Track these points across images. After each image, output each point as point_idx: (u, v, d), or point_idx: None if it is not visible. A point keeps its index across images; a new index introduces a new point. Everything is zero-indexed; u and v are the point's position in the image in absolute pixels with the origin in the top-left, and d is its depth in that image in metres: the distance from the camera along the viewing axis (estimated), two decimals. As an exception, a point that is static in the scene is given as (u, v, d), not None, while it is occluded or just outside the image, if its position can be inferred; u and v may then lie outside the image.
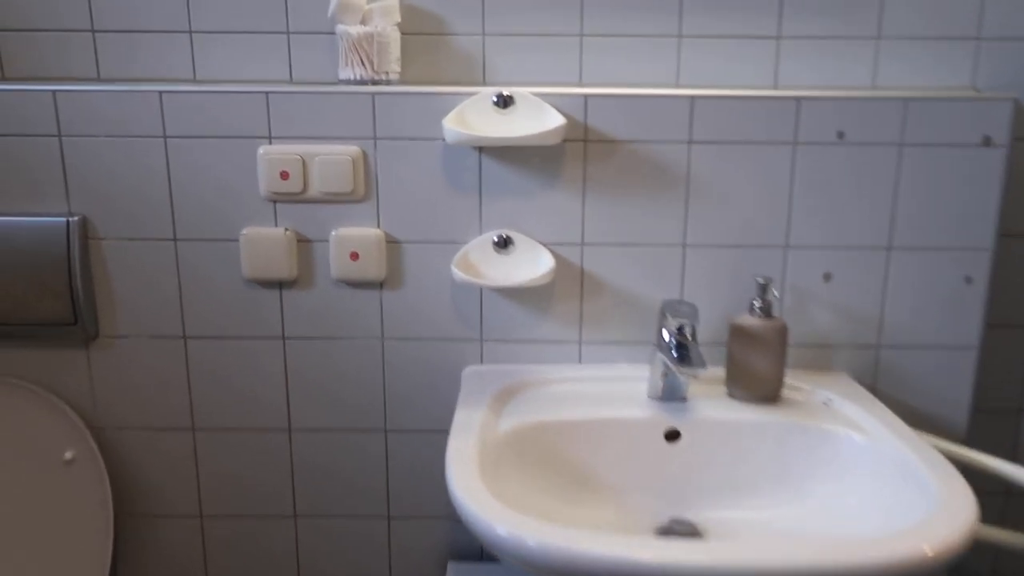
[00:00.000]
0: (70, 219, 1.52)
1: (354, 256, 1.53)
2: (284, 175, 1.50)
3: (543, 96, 1.47)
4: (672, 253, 1.54)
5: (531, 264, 1.53)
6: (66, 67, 1.55)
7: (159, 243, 1.55)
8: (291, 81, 1.57)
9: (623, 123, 1.49)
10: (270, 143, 1.50)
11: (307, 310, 1.58)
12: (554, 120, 1.44)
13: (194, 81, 1.56)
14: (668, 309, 1.41)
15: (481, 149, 1.50)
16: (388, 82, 1.51)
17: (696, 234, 1.53)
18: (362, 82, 1.50)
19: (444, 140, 1.48)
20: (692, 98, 1.47)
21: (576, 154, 1.50)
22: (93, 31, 1.54)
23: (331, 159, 1.49)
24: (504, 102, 1.47)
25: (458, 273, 1.49)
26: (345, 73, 1.50)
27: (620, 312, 1.57)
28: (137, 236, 1.55)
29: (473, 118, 1.47)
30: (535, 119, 1.47)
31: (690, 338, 1.36)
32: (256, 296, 1.57)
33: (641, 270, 1.55)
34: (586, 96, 1.48)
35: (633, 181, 1.51)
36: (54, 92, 1.49)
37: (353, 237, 1.53)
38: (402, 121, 1.49)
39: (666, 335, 1.39)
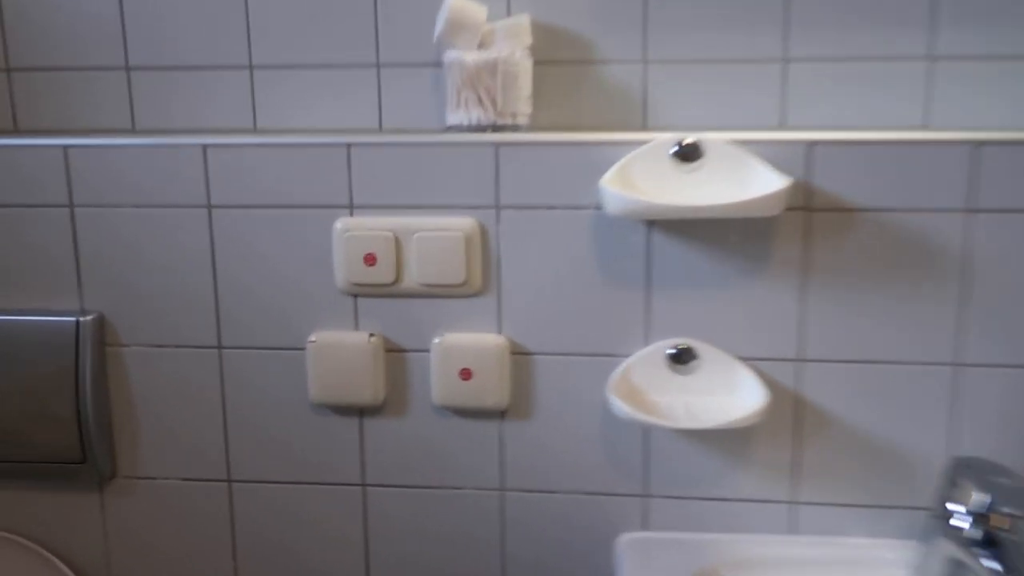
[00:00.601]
0: (81, 319, 1.11)
1: (465, 374, 1.07)
2: (370, 259, 1.06)
3: (744, 145, 0.99)
4: (939, 376, 1.03)
5: (725, 390, 1.05)
6: (92, 116, 1.16)
7: (198, 352, 1.12)
8: (380, 130, 1.14)
9: (865, 183, 1.00)
10: (351, 214, 1.07)
11: (397, 448, 1.12)
12: (769, 181, 0.96)
13: (252, 131, 1.14)
14: (965, 472, 0.89)
15: (651, 223, 1.03)
16: (516, 127, 1.07)
17: (980, 349, 1.02)
18: (479, 128, 1.06)
19: (598, 209, 1.03)
20: (975, 145, 0.98)
21: (793, 228, 1.02)
22: (127, 68, 1.15)
23: (435, 237, 1.05)
24: (688, 154, 1.00)
25: (619, 404, 1.01)
26: (456, 117, 1.07)
27: (858, 461, 1.06)
28: (169, 342, 1.13)
29: (642, 177, 1.01)
30: (734, 179, 1.00)
31: (1009, 529, 0.84)
32: (327, 427, 1.12)
33: (890, 401, 1.04)
34: (810, 143, 1.00)
35: (878, 268, 1.02)
36: (64, 148, 1.10)
37: (464, 347, 1.07)
38: (537, 182, 1.04)
39: (960, 518, 0.87)
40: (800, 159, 1.00)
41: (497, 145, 1.04)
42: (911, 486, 1.05)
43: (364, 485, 1.14)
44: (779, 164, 0.99)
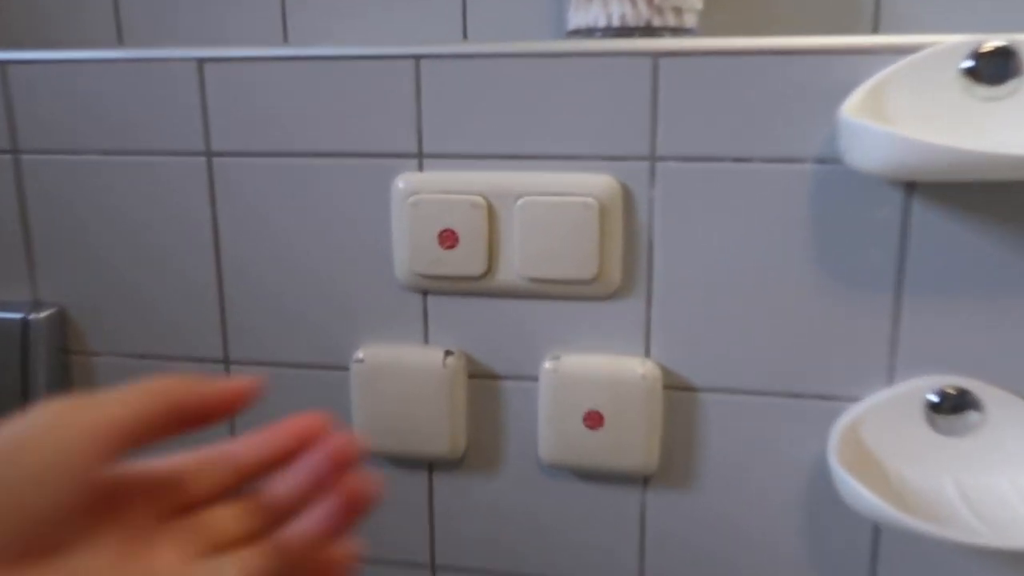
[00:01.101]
0: (32, 316, 0.77)
1: (593, 418, 0.68)
2: (448, 238, 0.67)
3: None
4: None
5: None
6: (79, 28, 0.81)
7: (196, 369, 0.76)
8: (465, 39, 0.76)
9: None
10: (420, 168, 0.68)
11: (483, 521, 0.75)
12: None
13: (282, 43, 0.77)
14: None
15: (913, 187, 0.62)
16: (681, 30, 0.66)
17: None
18: (623, 31, 0.66)
19: (822, 163, 0.62)
20: None
21: None
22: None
23: (552, 204, 0.66)
24: (992, 70, 0.58)
25: (847, 480, 0.61)
26: (583, 15, 0.67)
27: None
28: (155, 352, 0.77)
29: (905, 108, 0.59)
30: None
31: None
32: (386, 482, 0.75)
33: None
34: None
35: None
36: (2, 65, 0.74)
37: (593, 376, 0.68)
38: (717, 118, 0.63)
39: None
40: None
41: (655, 56, 0.63)
42: None
43: (433, 568, 0.77)
44: None
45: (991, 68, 0.58)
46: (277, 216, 0.72)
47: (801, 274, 0.65)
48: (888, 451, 0.66)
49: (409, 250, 0.68)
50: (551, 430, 0.70)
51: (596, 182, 0.65)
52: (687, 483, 0.71)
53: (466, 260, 0.67)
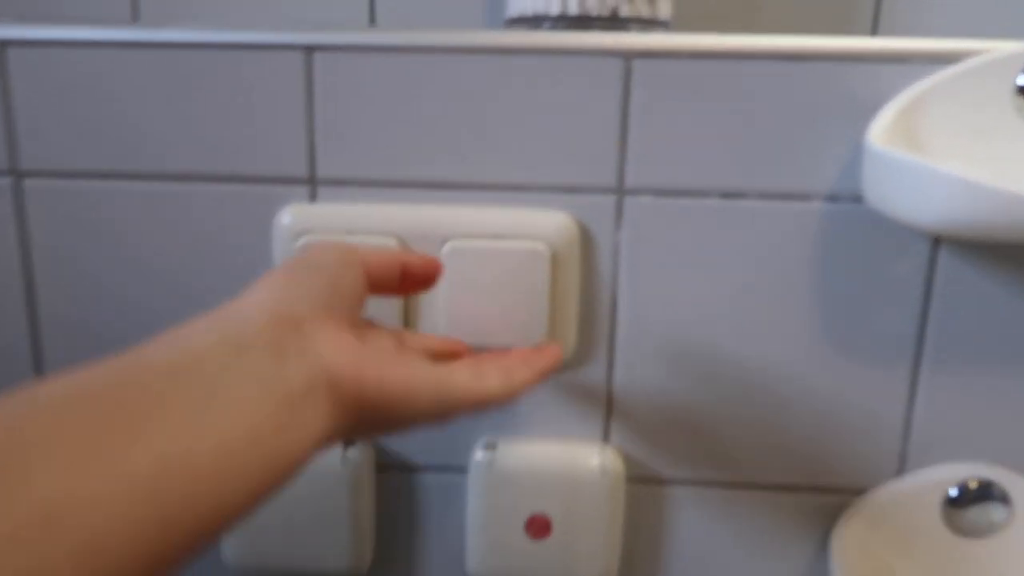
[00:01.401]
0: None
1: (538, 525, 0.53)
2: (348, 291, 0.50)
3: None
4: None
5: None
6: None
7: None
8: (373, 25, 0.59)
9: None
10: (312, 197, 0.51)
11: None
12: None
13: (129, 24, 0.58)
14: None
15: (938, 241, 0.49)
16: (654, 23, 0.51)
17: None
18: (581, 22, 0.51)
19: (835, 202, 0.48)
20: None
21: None
22: None
23: (489, 250, 0.49)
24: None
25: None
26: (528, 1, 0.51)
27: None
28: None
29: (946, 134, 0.46)
30: None
31: None
32: (260, 605, 0.58)
33: None
34: None
35: None
36: None
37: (539, 469, 0.53)
38: (701, 138, 0.49)
39: None
40: None
41: (627, 56, 0.48)
42: None
43: None
44: None
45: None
46: (109, 263, 0.53)
47: (801, 339, 0.51)
48: (899, 557, 0.53)
49: (296, 306, 0.51)
50: (483, 539, 0.54)
51: (547, 222, 0.50)
52: (654, 596, 0.56)
53: (373, 316, 0.50)
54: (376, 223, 0.50)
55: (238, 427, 0.28)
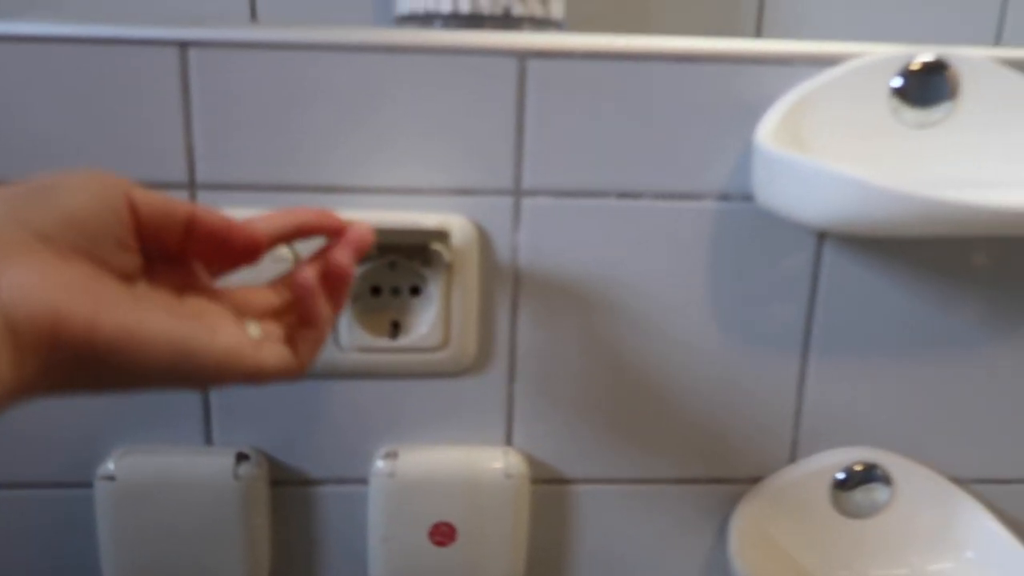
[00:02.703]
0: None
1: (442, 532, 0.52)
2: (235, 301, 0.47)
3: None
4: None
5: (943, 550, 0.55)
6: None
7: None
8: (255, 20, 0.56)
9: None
10: (192, 189, 0.48)
11: (298, 669, 0.56)
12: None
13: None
14: None
15: (823, 237, 0.51)
16: (547, 23, 0.51)
17: None
18: (473, 20, 0.49)
19: (726, 200, 0.49)
20: None
21: (1095, 244, 0.52)
22: None
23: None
24: (925, 89, 0.48)
25: (743, 567, 0.50)
26: (419, 0, 0.50)
27: None
28: None
29: (829, 134, 0.48)
30: (1011, 140, 0.48)
31: None
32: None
33: None
34: None
35: None
36: None
37: (440, 476, 0.52)
38: (598, 141, 0.49)
39: None
40: None
41: (522, 55, 0.47)
42: None
43: None
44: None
45: (922, 88, 0.48)
46: None
47: (697, 335, 0.52)
48: (791, 541, 0.55)
49: (179, 318, 0.48)
50: (386, 550, 0.52)
51: (443, 224, 0.48)
52: (561, 599, 0.56)
53: (264, 332, 0.48)
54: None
55: None
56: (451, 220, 0.48)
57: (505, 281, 0.51)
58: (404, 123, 0.48)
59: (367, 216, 0.48)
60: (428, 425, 0.53)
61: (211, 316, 0.35)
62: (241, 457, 0.51)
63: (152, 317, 0.30)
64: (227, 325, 0.34)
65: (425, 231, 0.47)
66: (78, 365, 0.29)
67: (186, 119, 0.46)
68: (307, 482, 0.53)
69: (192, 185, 0.47)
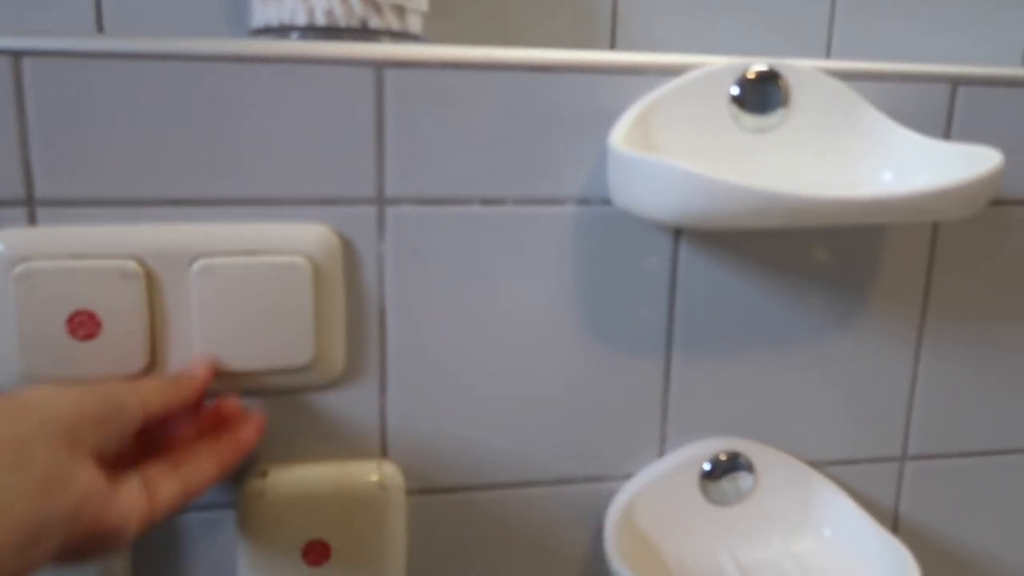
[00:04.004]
0: None
1: (316, 551, 0.51)
2: (83, 323, 0.45)
3: (847, 81, 0.53)
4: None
5: (804, 531, 0.58)
6: None
7: None
8: (101, 32, 0.54)
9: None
10: (32, 222, 0.45)
11: None
12: (921, 151, 0.50)
13: None
14: None
15: (679, 233, 0.54)
16: (405, 36, 0.52)
17: None
18: (330, 33, 0.49)
19: (585, 205, 0.51)
20: None
21: (918, 240, 0.57)
22: None
23: (245, 267, 0.47)
24: (760, 97, 0.52)
25: (624, 572, 0.51)
26: (273, 10, 0.49)
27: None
28: None
29: (675, 140, 0.50)
30: (836, 145, 0.52)
31: None
32: None
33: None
34: (954, 81, 0.55)
35: (1034, 300, 0.60)
36: None
37: (313, 492, 0.50)
38: (460, 149, 0.49)
39: None
40: (940, 110, 0.55)
41: (378, 65, 0.47)
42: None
43: None
44: (902, 118, 0.54)
45: (757, 96, 0.51)
46: None
47: (564, 338, 0.54)
48: (665, 531, 0.57)
49: (19, 344, 0.44)
50: (257, 575, 0.51)
51: (306, 235, 0.48)
52: (441, 611, 0.56)
53: (114, 354, 0.45)
54: (112, 246, 0.45)
55: None
56: (313, 231, 0.48)
57: (372, 291, 0.50)
58: (262, 134, 0.47)
59: (222, 232, 0.47)
60: (299, 443, 0.51)
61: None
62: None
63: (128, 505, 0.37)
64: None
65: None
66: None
67: (21, 132, 0.44)
68: (170, 510, 0.51)
69: (30, 202, 0.45)
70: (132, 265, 0.45)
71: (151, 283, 0.45)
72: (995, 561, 0.65)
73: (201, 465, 0.42)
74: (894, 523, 0.62)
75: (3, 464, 0.32)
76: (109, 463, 0.37)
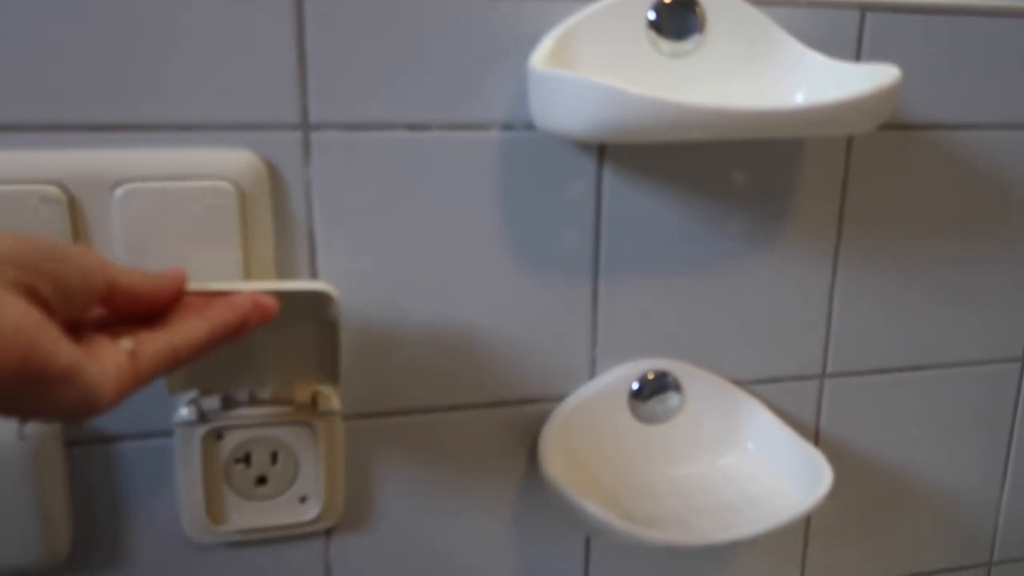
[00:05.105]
0: None
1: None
2: (6, 251, 0.45)
3: (762, 6, 0.55)
4: None
5: (728, 447, 0.61)
6: None
7: None
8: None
9: (966, 90, 0.60)
10: (-54, 147, 0.45)
11: (111, 638, 0.54)
12: (825, 72, 0.53)
13: None
14: None
15: (603, 153, 0.55)
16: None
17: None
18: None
19: (509, 129, 0.52)
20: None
21: (831, 159, 0.60)
22: None
23: (168, 194, 0.47)
24: (678, 22, 0.53)
25: (563, 489, 0.53)
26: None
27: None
28: None
29: (596, 64, 0.52)
30: (748, 69, 0.54)
31: None
32: (-64, 623, 0.51)
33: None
34: (862, 6, 0.58)
35: (973, 228, 0.63)
36: None
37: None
38: (385, 70, 0.50)
39: None
40: (850, 36, 0.57)
41: (298, -10, 0.48)
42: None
43: None
44: (813, 43, 0.56)
45: (674, 21, 0.53)
46: None
47: (492, 263, 0.55)
48: (597, 450, 0.59)
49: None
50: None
51: (231, 160, 0.48)
52: (369, 527, 0.57)
53: (41, 281, 0.46)
54: (33, 171, 0.45)
55: None
56: (238, 156, 0.48)
57: (300, 217, 0.51)
58: (185, 58, 0.47)
59: (144, 157, 0.47)
60: (232, 369, 0.52)
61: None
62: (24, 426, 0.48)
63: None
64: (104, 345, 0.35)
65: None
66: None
67: (-67, 56, 0.43)
68: (106, 439, 0.51)
69: (-54, 128, 0.44)
70: (53, 190, 0.45)
71: (73, 209, 0.45)
72: (910, 473, 0.69)
73: (190, 322, 0.38)
74: (815, 437, 0.65)
75: None
76: (82, 328, 0.35)
